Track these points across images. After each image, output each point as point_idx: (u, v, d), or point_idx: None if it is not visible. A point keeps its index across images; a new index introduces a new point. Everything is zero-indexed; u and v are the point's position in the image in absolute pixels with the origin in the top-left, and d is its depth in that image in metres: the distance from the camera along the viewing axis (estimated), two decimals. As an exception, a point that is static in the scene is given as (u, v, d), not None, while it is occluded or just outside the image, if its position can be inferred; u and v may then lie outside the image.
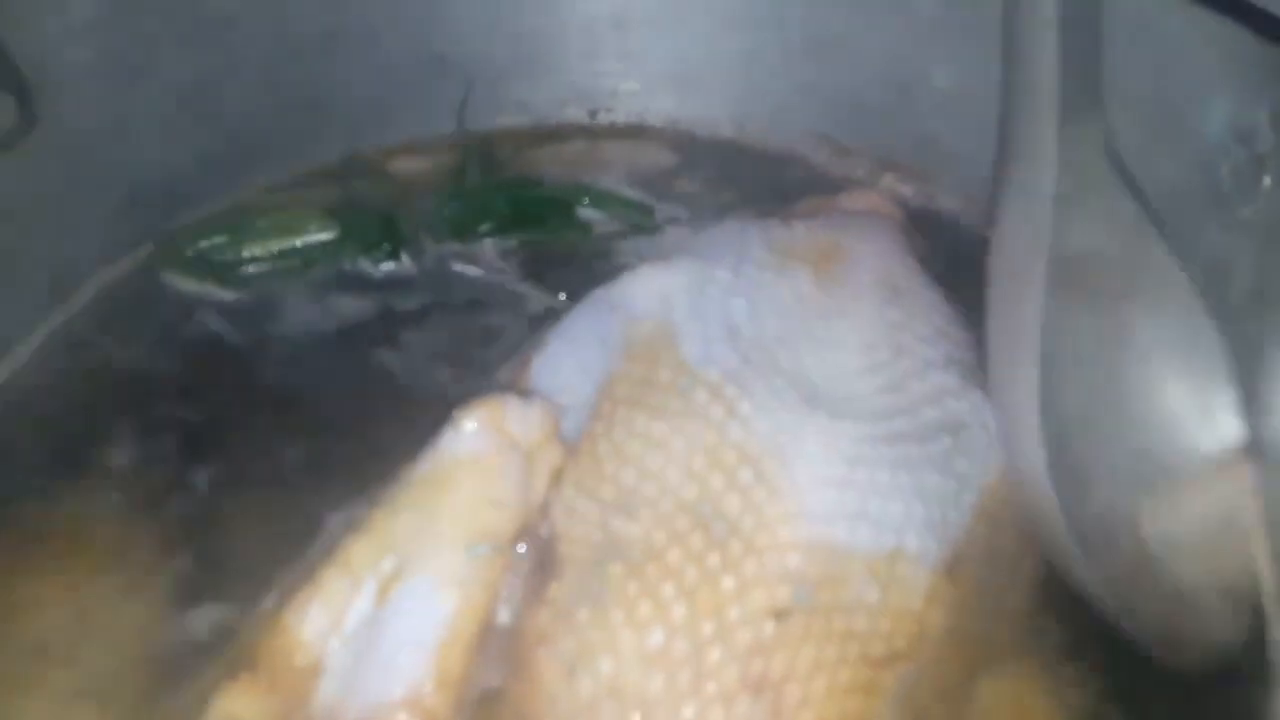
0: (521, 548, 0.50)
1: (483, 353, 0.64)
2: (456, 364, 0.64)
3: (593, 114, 0.78)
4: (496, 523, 0.49)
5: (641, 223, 0.72)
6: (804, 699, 0.46)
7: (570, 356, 0.57)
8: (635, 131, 0.78)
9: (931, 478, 0.53)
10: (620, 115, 0.78)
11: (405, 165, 0.74)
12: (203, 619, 0.52)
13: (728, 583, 0.48)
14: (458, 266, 0.69)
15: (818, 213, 0.68)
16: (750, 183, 0.75)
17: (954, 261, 0.66)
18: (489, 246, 0.70)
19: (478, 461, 0.51)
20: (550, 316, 0.62)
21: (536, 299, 0.67)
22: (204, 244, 0.68)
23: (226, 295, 0.67)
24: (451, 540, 0.49)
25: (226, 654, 0.49)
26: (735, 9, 0.75)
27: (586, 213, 0.73)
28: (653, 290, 0.58)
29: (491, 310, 0.67)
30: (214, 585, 0.53)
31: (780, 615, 0.47)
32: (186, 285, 0.67)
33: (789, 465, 0.50)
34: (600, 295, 0.59)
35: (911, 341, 0.58)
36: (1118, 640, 0.52)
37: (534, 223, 0.71)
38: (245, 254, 0.68)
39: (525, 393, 0.55)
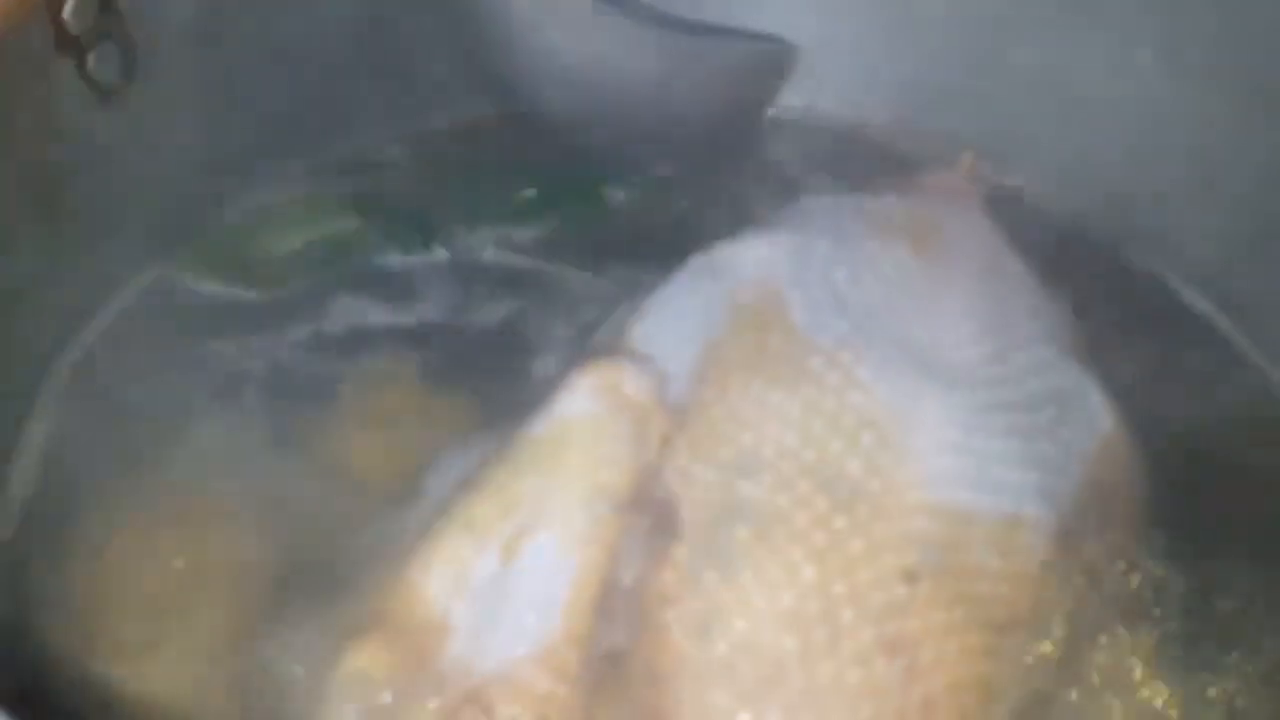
0: (637, 511, 0.50)
1: (527, 337, 0.63)
2: (503, 347, 0.63)
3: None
4: (614, 482, 0.49)
5: (667, 203, 0.71)
6: (937, 661, 0.46)
7: (671, 323, 0.57)
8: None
9: (1042, 446, 0.53)
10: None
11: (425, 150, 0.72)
12: (315, 579, 0.51)
13: (857, 545, 0.48)
14: (491, 254, 0.67)
15: (900, 191, 0.68)
16: (821, 160, 0.74)
17: (1030, 243, 0.67)
18: (517, 232, 0.68)
19: (593, 422, 0.51)
20: (594, 299, 0.62)
21: (576, 280, 0.66)
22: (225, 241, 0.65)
23: (250, 294, 0.63)
24: (573, 499, 0.49)
25: (349, 613, 0.48)
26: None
27: (615, 194, 0.71)
28: (757, 257, 0.57)
29: (531, 294, 0.65)
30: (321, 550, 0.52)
31: (911, 578, 0.47)
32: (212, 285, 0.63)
33: (910, 430, 0.50)
34: (700, 263, 0.59)
35: (1011, 315, 0.58)
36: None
37: (561, 205, 0.70)
38: (270, 250, 0.65)
39: (631, 358, 0.55)
